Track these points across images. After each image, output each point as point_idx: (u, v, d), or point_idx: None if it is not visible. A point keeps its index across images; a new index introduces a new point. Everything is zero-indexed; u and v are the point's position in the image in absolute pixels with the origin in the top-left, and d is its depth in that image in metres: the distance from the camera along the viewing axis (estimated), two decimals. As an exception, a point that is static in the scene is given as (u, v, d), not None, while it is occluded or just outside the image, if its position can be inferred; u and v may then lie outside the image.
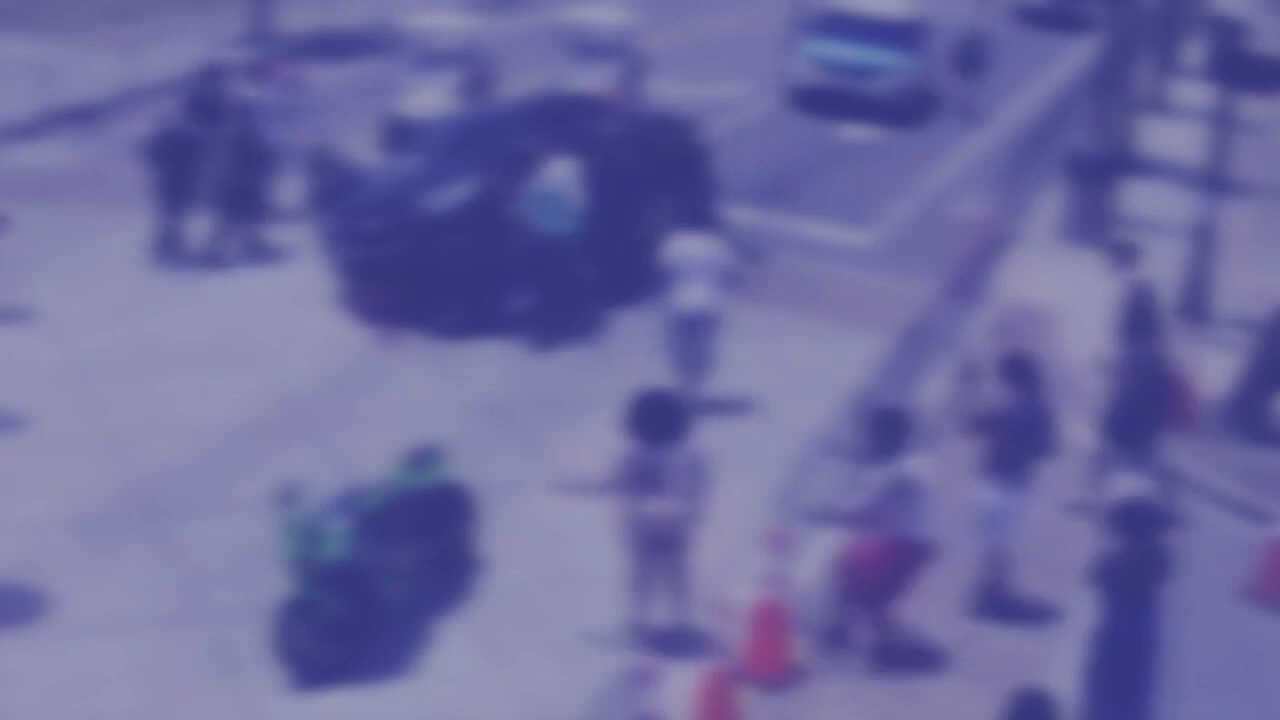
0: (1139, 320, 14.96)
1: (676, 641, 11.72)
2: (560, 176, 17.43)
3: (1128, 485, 11.81)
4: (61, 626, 11.68)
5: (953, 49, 29.76)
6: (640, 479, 11.30)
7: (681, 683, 10.69)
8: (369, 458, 13.44)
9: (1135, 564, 10.77)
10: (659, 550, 11.55)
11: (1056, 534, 13.66)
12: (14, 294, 17.52)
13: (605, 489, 11.57)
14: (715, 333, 15.73)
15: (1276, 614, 13.12)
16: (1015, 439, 12.30)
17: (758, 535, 12.08)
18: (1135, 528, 10.83)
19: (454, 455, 12.68)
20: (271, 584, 11.30)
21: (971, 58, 29.52)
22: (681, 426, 11.47)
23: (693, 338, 15.66)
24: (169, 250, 18.60)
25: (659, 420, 11.40)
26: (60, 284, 17.92)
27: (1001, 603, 12.64)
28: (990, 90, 29.65)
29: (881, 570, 11.39)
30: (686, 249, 15.73)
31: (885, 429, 11.44)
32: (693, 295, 15.49)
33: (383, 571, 11.55)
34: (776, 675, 11.41)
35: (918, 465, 11.57)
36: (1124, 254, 15.65)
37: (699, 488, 11.43)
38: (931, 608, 12.33)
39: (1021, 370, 12.53)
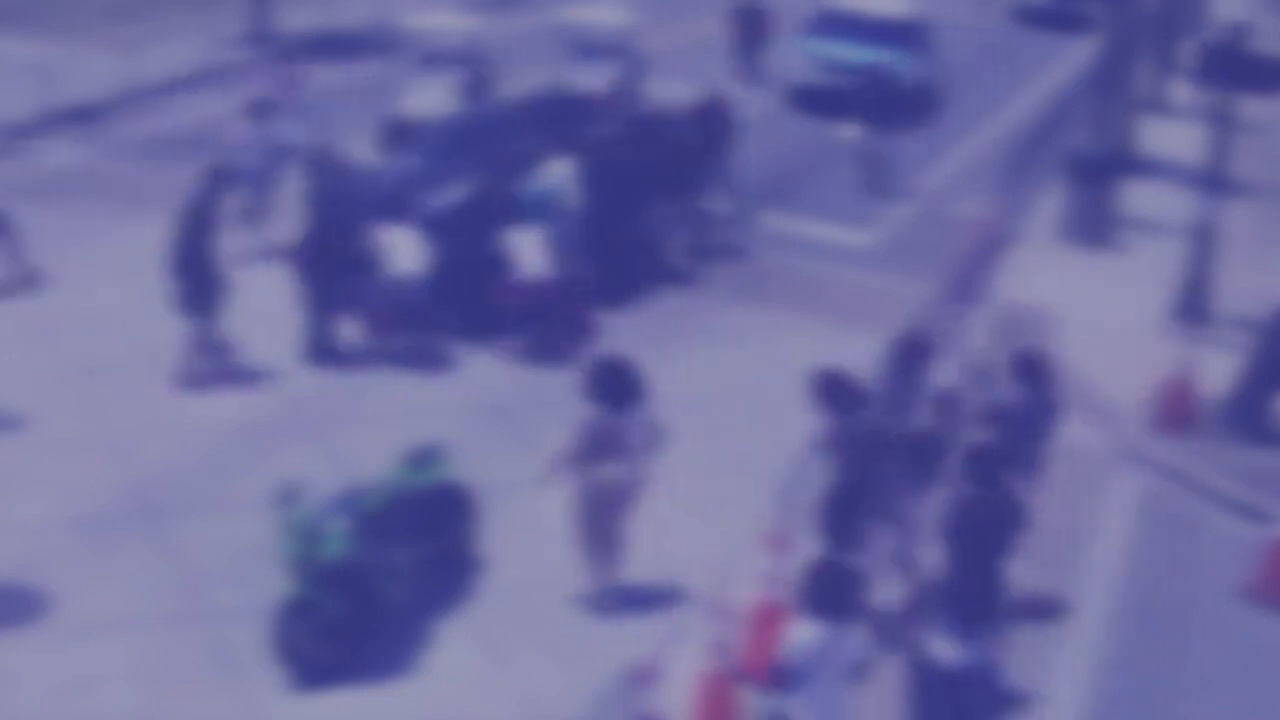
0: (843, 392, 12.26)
1: (614, 601, 12.18)
2: (556, 177, 17.43)
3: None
4: (61, 626, 11.67)
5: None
6: (600, 443, 11.69)
7: (681, 683, 10.70)
8: (369, 458, 13.45)
9: (984, 513, 10.80)
10: (609, 512, 11.97)
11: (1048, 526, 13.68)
12: (14, 293, 17.55)
13: (574, 458, 11.82)
14: None
15: (1276, 614, 13.13)
16: (1027, 434, 12.43)
17: (758, 535, 12.09)
18: (982, 476, 10.87)
19: (454, 455, 12.69)
20: (271, 584, 11.30)
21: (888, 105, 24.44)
22: (640, 391, 11.88)
23: None
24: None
25: (618, 385, 11.82)
26: (60, 284, 17.92)
27: None
28: (917, 145, 25.85)
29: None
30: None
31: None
32: None
33: (383, 571, 11.55)
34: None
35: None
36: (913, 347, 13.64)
37: (651, 452, 11.90)
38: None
39: (1032, 367, 12.73)
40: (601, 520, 12.05)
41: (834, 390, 11.94)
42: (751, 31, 30.43)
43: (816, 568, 9.54)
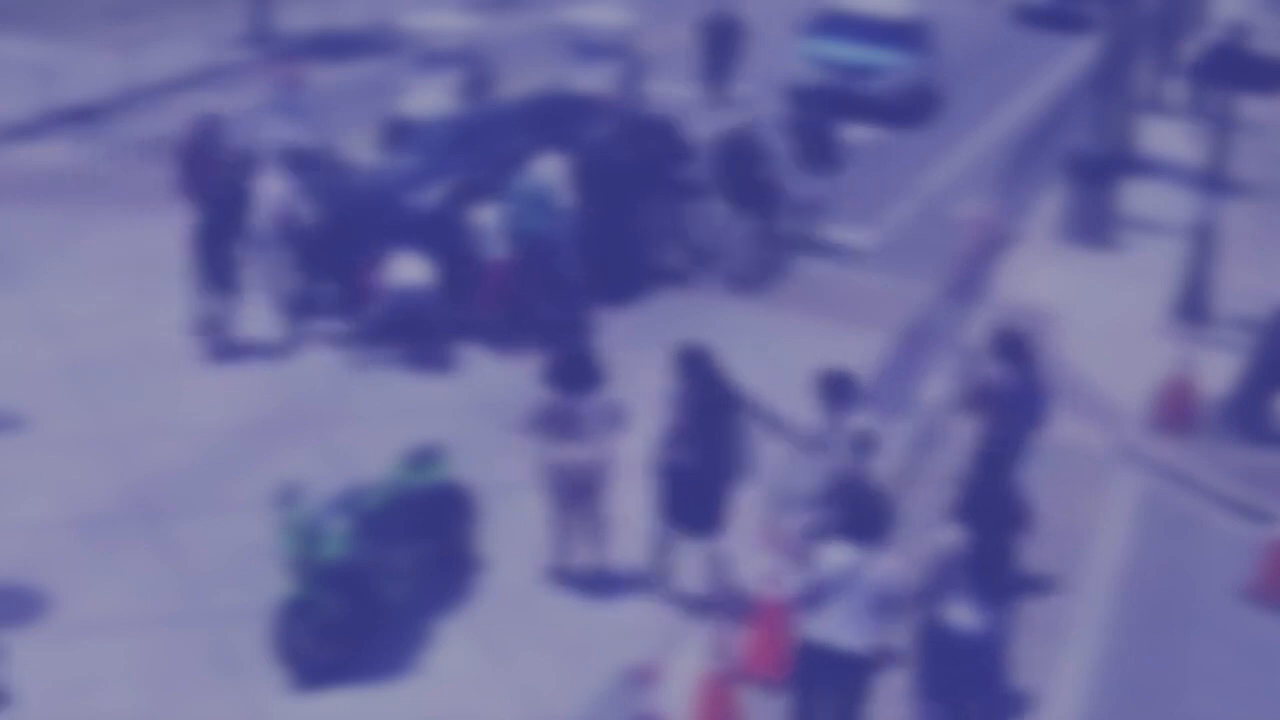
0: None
1: (598, 584, 12.36)
2: (548, 174, 17.42)
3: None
4: (61, 626, 11.68)
5: (798, 139, 22.18)
6: (557, 426, 12.04)
7: (681, 683, 10.70)
8: (369, 458, 13.46)
9: (989, 504, 10.95)
10: (578, 496, 12.26)
11: (1048, 525, 13.69)
12: (14, 294, 17.55)
13: (523, 432, 12.21)
14: None
15: (1276, 614, 13.13)
16: (1013, 413, 12.42)
17: (756, 535, 12.09)
18: (990, 468, 10.87)
19: (454, 455, 12.69)
20: (271, 584, 11.31)
21: (820, 150, 21.98)
22: (596, 378, 12.23)
23: None
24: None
25: (574, 372, 12.20)
26: (60, 284, 17.93)
27: None
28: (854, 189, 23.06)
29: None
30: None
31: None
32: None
33: (383, 571, 11.56)
34: (776, 675, 11.40)
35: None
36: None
37: (613, 434, 12.16)
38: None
39: (1014, 346, 12.75)
40: (574, 502, 12.30)
41: (693, 362, 12.38)
42: (722, 46, 28.82)
43: (851, 492, 10.29)
